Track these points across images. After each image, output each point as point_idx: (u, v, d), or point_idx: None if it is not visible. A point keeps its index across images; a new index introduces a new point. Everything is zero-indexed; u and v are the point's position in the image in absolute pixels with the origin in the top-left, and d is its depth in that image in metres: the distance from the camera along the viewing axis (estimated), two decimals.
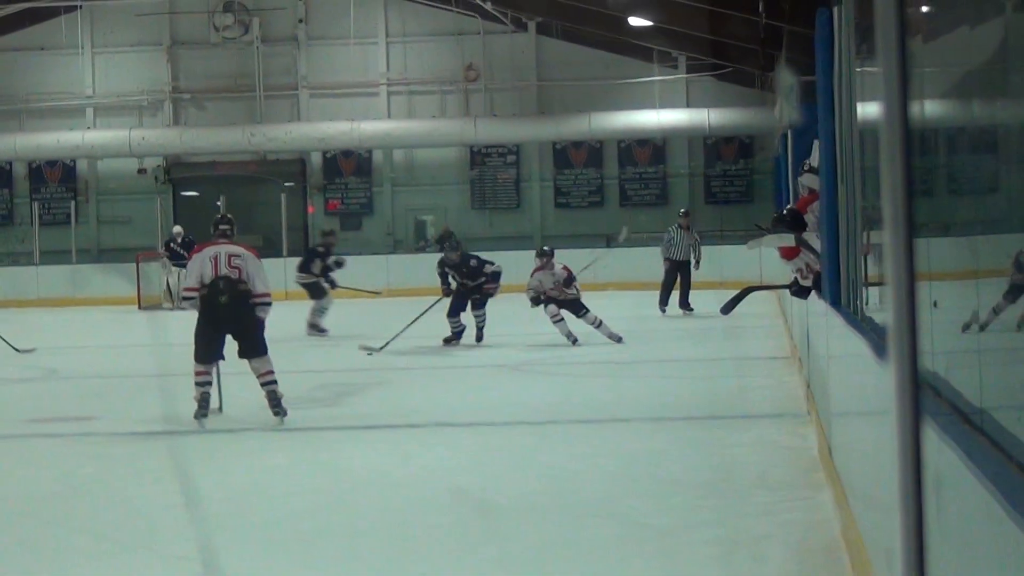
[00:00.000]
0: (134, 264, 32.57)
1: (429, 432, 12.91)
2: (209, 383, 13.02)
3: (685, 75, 36.79)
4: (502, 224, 36.70)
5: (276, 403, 12.73)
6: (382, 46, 38.02)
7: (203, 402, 12.86)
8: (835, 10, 7.99)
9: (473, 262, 20.47)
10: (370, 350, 17.70)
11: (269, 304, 13.07)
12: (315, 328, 23.10)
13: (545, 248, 21.05)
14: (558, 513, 9.08)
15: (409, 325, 18.56)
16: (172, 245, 31.82)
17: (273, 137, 37.31)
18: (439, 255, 24.37)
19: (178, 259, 31.37)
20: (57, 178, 39.15)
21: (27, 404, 15.46)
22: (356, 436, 12.76)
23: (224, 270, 12.71)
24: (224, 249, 12.87)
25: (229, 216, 13.73)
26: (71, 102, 38.83)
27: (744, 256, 25.55)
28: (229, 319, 12.85)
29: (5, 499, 10.22)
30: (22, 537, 8.89)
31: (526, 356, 19.31)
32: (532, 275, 20.55)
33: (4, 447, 13.00)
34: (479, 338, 20.81)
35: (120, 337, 20.30)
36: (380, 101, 37.96)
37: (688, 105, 36.65)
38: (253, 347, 12.86)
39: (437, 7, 37.30)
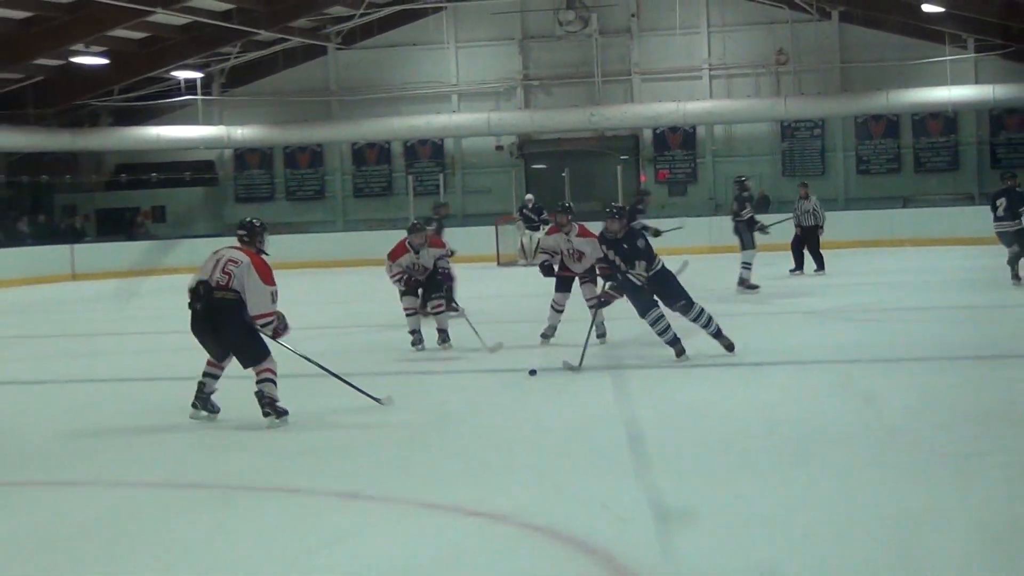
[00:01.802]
0: (494, 227, 33.64)
1: (745, 371, 12.97)
2: (209, 375, 10.93)
3: (974, 55, 36.58)
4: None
5: (263, 403, 10.57)
6: (704, 35, 38.54)
7: (197, 391, 10.90)
8: None
9: (641, 243, 13.53)
10: (572, 367, 12.92)
11: (267, 325, 10.66)
12: None
13: (565, 204, 15.92)
14: (863, 442, 9.12)
15: (588, 338, 13.68)
16: (524, 211, 32.71)
17: (610, 117, 38.14)
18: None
19: (529, 223, 32.42)
20: (428, 155, 40.35)
21: (404, 345, 15.51)
22: (682, 373, 12.77)
23: (217, 275, 10.60)
24: (229, 253, 10.78)
25: (253, 222, 11.17)
26: (439, 90, 39.97)
27: None
28: (201, 327, 10.72)
29: (386, 425, 10.58)
30: (402, 459, 9.26)
31: (830, 304, 19.15)
32: (547, 235, 15.98)
33: (387, 382, 12.89)
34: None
35: (483, 289, 20.67)
36: (703, 84, 38.57)
37: (976, 81, 36.49)
38: (241, 359, 10.72)
39: (751, 0, 37.81)
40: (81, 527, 7.73)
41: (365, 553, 6.88)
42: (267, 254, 10.99)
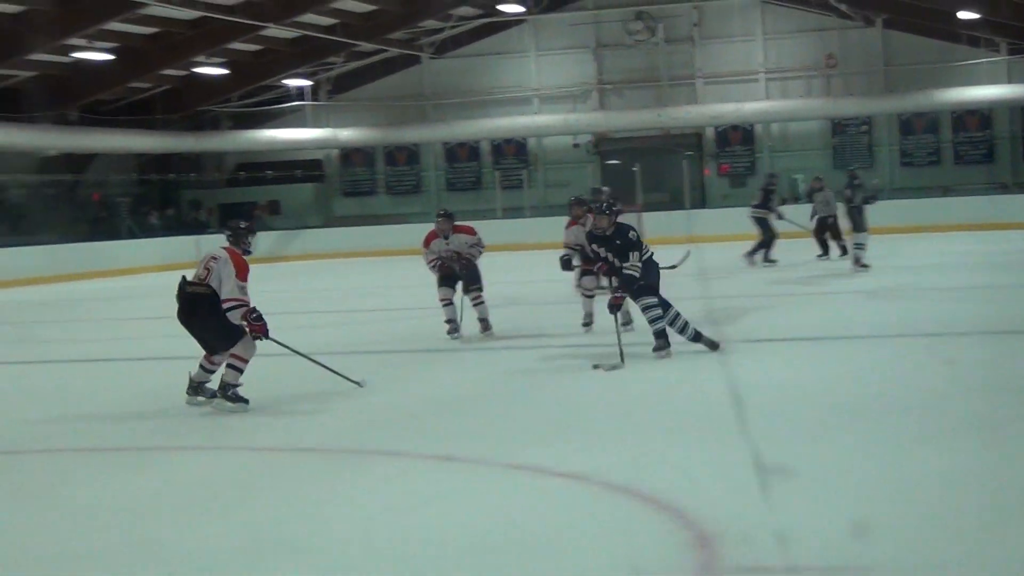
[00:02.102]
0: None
1: (805, 345, 13.05)
2: (203, 368, 10.70)
3: (1007, 57, 36.16)
4: None
5: (223, 388, 10.40)
6: (760, 42, 38.31)
7: (189, 382, 10.71)
8: None
9: (632, 235, 12.04)
10: (616, 366, 11.55)
11: (233, 309, 10.30)
12: (750, 259, 23.54)
13: (580, 197, 15.19)
14: (903, 410, 9.05)
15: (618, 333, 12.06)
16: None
17: (676, 117, 38.06)
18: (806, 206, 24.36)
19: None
20: (512, 152, 40.37)
21: (496, 326, 15.02)
22: (749, 348, 12.62)
23: (199, 271, 10.49)
24: (214, 251, 10.61)
25: (240, 224, 11.02)
26: (521, 94, 40.03)
27: None
28: (181, 317, 10.61)
29: (480, 394, 10.79)
30: (492, 425, 9.34)
31: (878, 284, 18.91)
32: (567, 229, 14.62)
33: (476, 357, 13.33)
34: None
35: (559, 273, 20.75)
36: (759, 86, 38.33)
37: (1009, 81, 36.08)
38: (211, 347, 10.60)
39: (802, 9, 37.55)
40: (210, 486, 7.88)
41: (459, 509, 6.92)
42: (250, 253, 10.74)
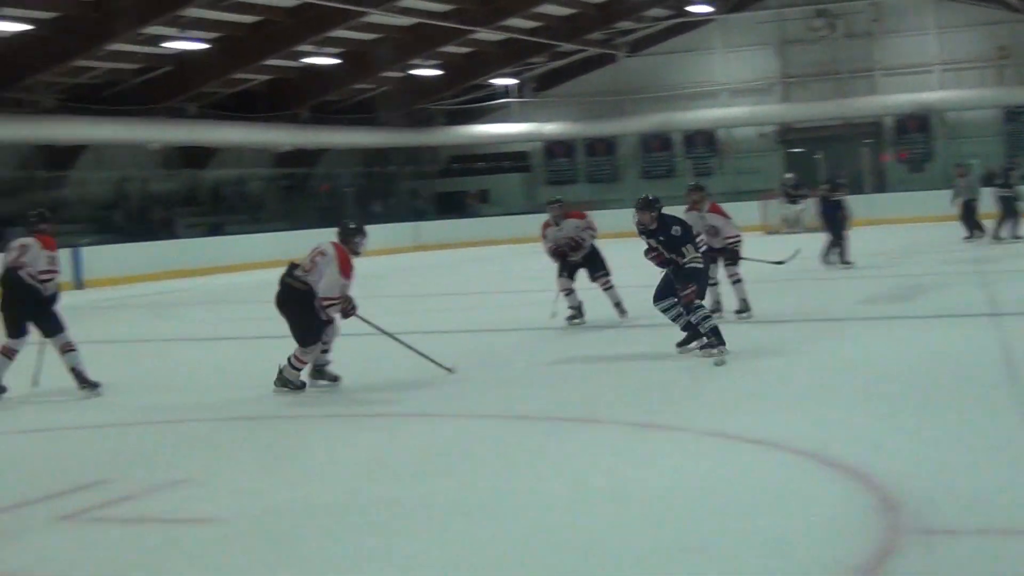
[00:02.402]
0: (759, 202, 33.34)
1: (982, 320, 12.52)
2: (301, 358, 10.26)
3: None
4: None
5: (283, 382, 10.22)
6: (934, 36, 37.47)
7: (312, 369, 10.45)
8: None
9: (676, 230, 10.83)
10: (720, 362, 10.31)
11: (331, 306, 10.03)
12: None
13: (698, 183, 14.17)
14: None
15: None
16: (785, 187, 32.36)
17: (856, 107, 37.61)
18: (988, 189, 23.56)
19: (790, 198, 31.97)
20: (702, 142, 40.13)
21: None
22: (934, 323, 12.37)
23: (306, 262, 10.13)
24: (322, 246, 10.17)
25: (349, 225, 10.39)
26: (710, 88, 39.85)
27: None
28: (277, 304, 10.33)
29: (677, 367, 10.48)
30: (690, 394, 9.27)
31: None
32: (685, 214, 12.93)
33: (656, 332, 12.49)
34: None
35: (758, 252, 20.33)
36: (934, 77, 37.50)
37: None
38: (295, 336, 10.20)
39: (974, 4, 36.65)
40: (432, 448, 7.92)
41: (660, 473, 6.78)
42: (359, 254, 10.34)
